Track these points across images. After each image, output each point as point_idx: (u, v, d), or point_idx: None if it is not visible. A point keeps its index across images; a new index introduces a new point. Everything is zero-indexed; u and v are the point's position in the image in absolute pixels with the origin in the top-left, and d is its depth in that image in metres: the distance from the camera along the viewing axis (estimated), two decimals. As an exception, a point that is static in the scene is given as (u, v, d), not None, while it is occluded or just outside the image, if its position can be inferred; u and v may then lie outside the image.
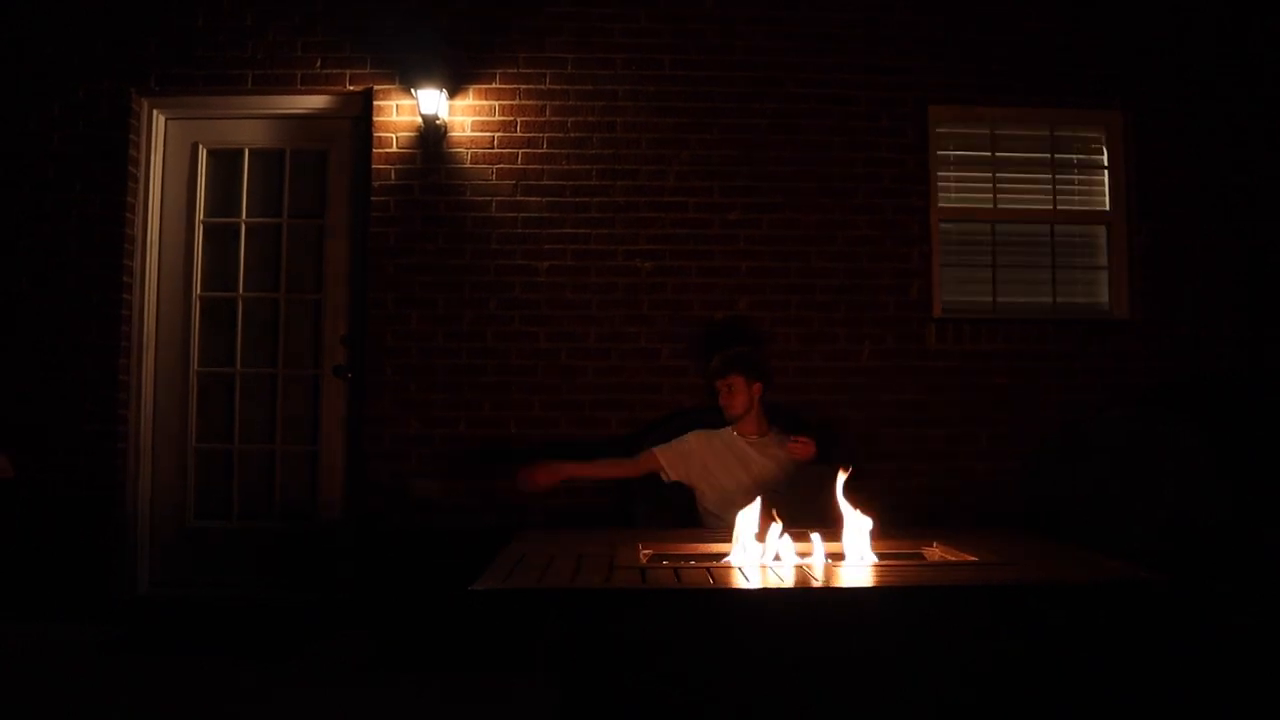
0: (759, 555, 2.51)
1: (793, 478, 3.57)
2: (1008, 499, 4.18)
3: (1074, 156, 4.57)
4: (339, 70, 4.34)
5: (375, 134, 4.31)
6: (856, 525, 2.56)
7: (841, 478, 2.63)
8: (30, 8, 4.30)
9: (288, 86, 4.35)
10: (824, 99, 4.38)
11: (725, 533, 2.67)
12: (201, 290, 4.45)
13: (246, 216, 4.47)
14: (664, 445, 3.69)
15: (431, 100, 4.19)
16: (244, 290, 4.46)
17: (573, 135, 4.34)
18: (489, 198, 4.31)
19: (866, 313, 4.32)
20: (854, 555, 2.54)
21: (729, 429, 3.71)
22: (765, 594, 2.22)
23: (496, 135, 4.33)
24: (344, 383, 4.39)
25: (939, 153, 4.47)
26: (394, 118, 4.32)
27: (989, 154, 4.53)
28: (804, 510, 2.84)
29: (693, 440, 3.69)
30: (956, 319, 4.37)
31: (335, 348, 4.41)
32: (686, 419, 3.96)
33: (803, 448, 3.53)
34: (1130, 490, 3.64)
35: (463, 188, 4.31)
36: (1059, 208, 4.54)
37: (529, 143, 4.33)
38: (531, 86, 4.35)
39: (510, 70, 4.35)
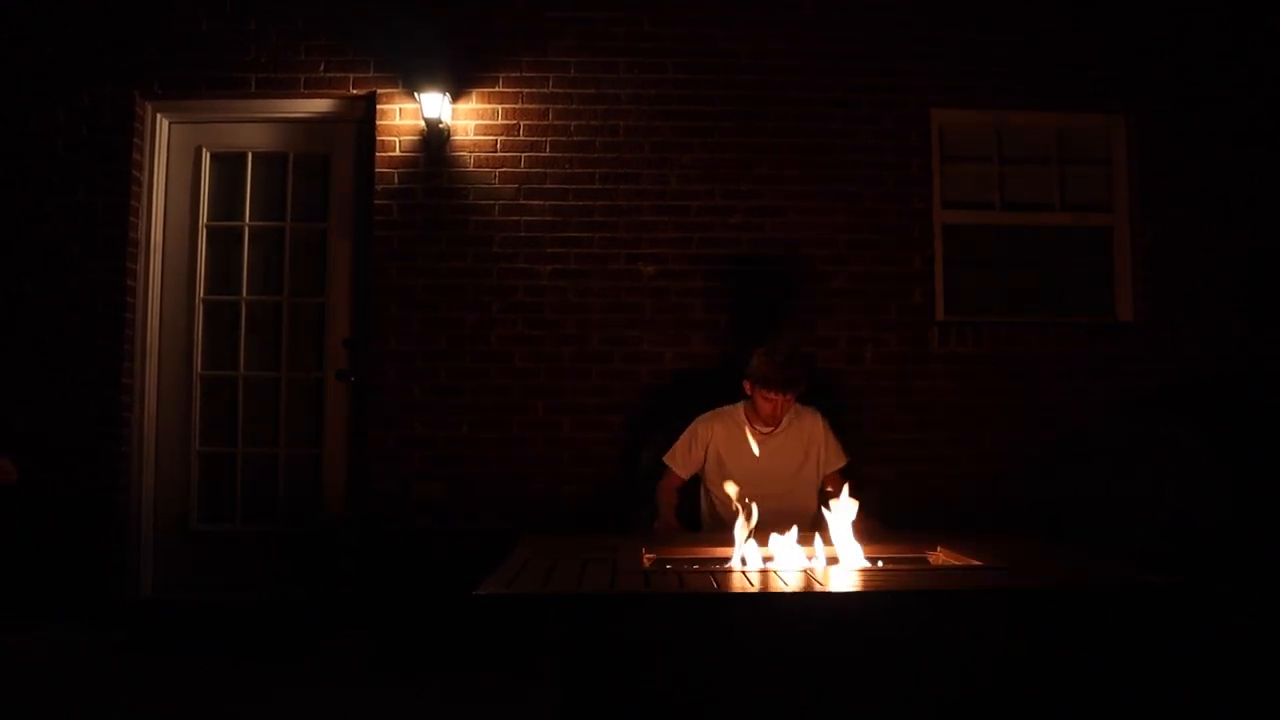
0: (762, 559, 2.51)
1: (803, 463, 3.53)
2: (1011, 502, 4.16)
3: (1076, 158, 4.56)
4: (342, 74, 4.35)
5: (378, 137, 4.32)
6: (848, 529, 2.57)
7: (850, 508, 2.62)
8: (31, 10, 4.31)
9: (291, 90, 4.36)
10: (826, 102, 4.38)
11: (727, 534, 2.67)
12: (205, 293, 4.45)
13: (250, 220, 4.48)
14: (669, 453, 3.61)
15: (434, 104, 4.19)
16: (247, 293, 4.46)
17: (575, 139, 4.35)
18: (492, 201, 4.32)
19: (869, 316, 4.32)
20: (858, 560, 2.54)
21: (738, 409, 3.59)
22: (769, 598, 2.23)
23: (499, 139, 4.34)
24: (347, 386, 4.39)
25: (941, 156, 4.47)
26: (397, 121, 4.32)
27: (991, 157, 4.53)
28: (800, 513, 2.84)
29: (698, 427, 3.59)
30: (959, 322, 4.37)
31: (338, 351, 4.41)
32: (688, 420, 3.95)
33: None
34: (1132, 492, 3.64)
35: (465, 191, 4.32)
36: (1061, 210, 4.53)
37: (532, 146, 4.34)
38: (534, 90, 4.35)
39: (513, 74, 4.36)
